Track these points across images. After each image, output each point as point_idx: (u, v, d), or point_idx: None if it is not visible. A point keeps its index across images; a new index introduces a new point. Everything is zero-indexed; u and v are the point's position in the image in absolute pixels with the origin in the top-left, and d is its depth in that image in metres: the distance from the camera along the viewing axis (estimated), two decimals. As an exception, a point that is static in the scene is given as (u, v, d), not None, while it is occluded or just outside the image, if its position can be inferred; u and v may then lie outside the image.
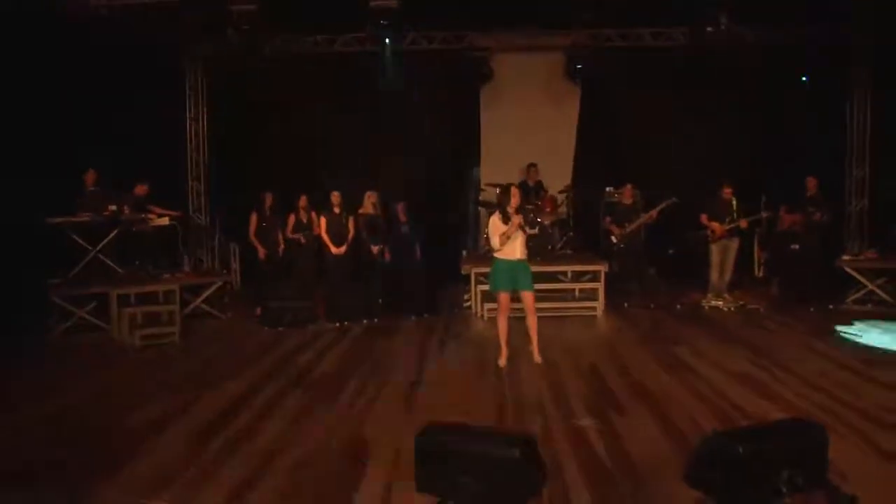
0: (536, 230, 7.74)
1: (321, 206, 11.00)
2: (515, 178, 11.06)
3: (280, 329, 9.82)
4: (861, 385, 6.68)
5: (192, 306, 10.42)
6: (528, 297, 7.65)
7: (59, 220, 9.78)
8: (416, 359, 8.18)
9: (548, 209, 11.84)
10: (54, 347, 8.98)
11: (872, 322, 9.43)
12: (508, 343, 7.78)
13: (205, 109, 13.35)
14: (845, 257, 10.89)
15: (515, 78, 13.17)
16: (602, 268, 10.66)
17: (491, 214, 11.67)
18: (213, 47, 12.53)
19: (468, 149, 13.52)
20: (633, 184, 11.69)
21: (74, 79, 10.31)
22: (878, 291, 10.38)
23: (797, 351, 8.11)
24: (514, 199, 7.48)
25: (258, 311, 10.56)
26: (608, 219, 11.83)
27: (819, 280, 10.86)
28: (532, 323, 7.74)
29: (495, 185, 11.65)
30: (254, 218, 11.07)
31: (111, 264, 10.28)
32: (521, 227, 7.41)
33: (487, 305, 10.42)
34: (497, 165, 12.75)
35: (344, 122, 13.18)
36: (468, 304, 10.94)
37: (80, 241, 10.05)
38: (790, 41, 12.03)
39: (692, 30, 11.86)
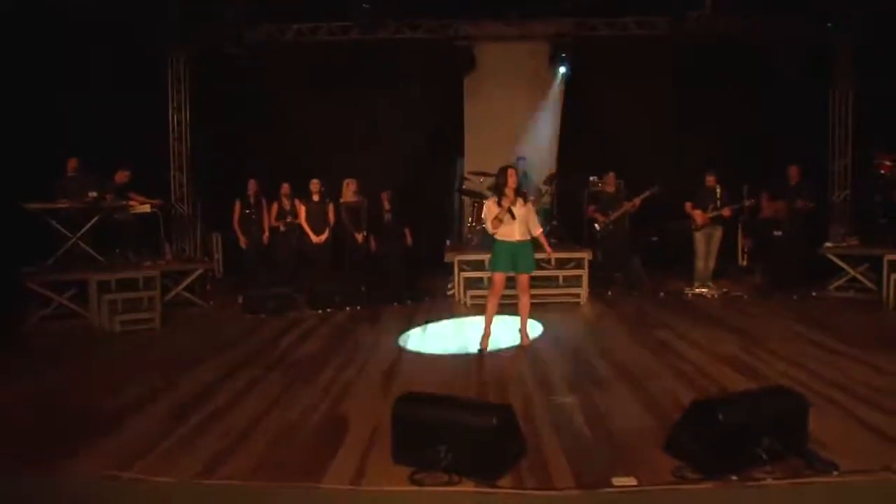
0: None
1: (303, 194, 10.95)
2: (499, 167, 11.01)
3: (262, 316, 9.74)
4: (844, 364, 6.67)
5: (173, 293, 10.33)
6: (523, 277, 7.62)
7: (37, 206, 9.66)
8: (397, 344, 8.12)
9: (531, 198, 11.79)
10: (32, 334, 8.86)
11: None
12: (490, 326, 7.71)
13: (187, 99, 13.25)
14: (828, 244, 10.89)
15: (500, 67, 13.17)
16: (586, 255, 10.64)
17: (475, 203, 11.81)
18: (197, 36, 12.46)
19: (452, 138, 13.48)
20: (616, 172, 11.70)
21: (56, 66, 10.23)
22: (861, 278, 10.41)
23: (780, 334, 8.10)
24: (511, 179, 7.42)
25: (240, 299, 10.49)
26: (592, 207, 11.83)
27: (802, 268, 10.89)
28: (524, 304, 7.71)
29: (479, 174, 11.68)
30: (237, 206, 11.01)
31: (91, 252, 10.16)
32: (510, 211, 7.36)
33: (471, 292, 10.40)
34: (481, 154, 12.73)
35: (327, 110, 13.10)
36: (451, 292, 10.90)
37: (60, 228, 9.92)
38: (773, 30, 12.07)
39: (675, 18, 11.89)
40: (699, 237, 10.97)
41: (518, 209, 7.41)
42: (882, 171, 10.89)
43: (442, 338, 8.28)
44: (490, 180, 11.19)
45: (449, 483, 4.10)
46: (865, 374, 6.29)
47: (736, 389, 5.68)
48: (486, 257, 10.23)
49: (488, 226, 7.47)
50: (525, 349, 7.60)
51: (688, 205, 10.98)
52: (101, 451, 4.72)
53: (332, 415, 5.49)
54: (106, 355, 7.85)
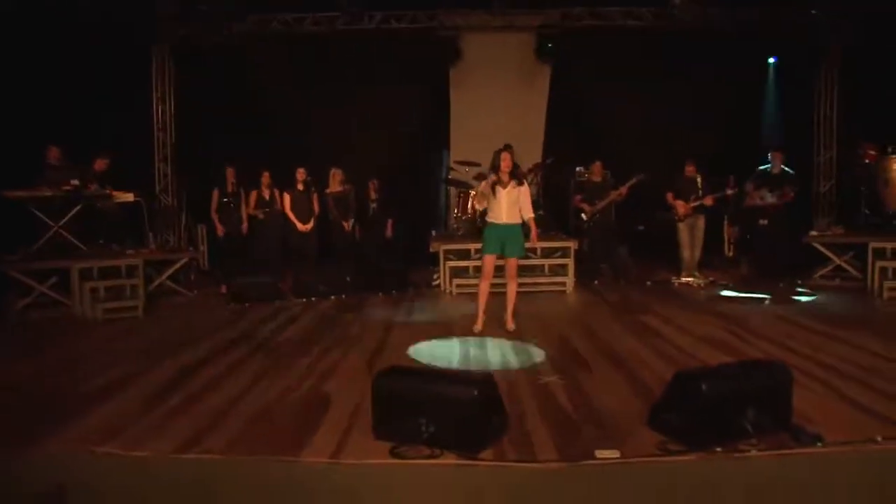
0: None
1: (288, 183, 10.88)
2: (485, 158, 10.97)
3: (246, 305, 9.66)
4: (828, 345, 6.69)
5: (157, 282, 10.23)
6: (511, 262, 7.59)
7: (18, 193, 9.53)
8: (382, 328, 8.05)
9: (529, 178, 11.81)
10: (13, 323, 8.73)
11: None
12: (486, 311, 7.72)
13: (171, 90, 13.15)
14: (813, 233, 10.90)
15: (485, 57, 13.10)
16: (572, 244, 10.62)
17: (460, 193, 11.77)
18: (181, 26, 12.38)
19: (438, 128, 13.43)
20: (602, 162, 11.68)
21: (38, 56, 10.11)
22: (846, 266, 10.41)
23: (764, 318, 8.11)
24: (505, 162, 7.38)
25: (223, 288, 10.41)
26: (578, 197, 11.79)
27: (787, 257, 10.88)
28: (511, 289, 7.69)
29: (464, 164, 11.63)
30: (215, 194, 10.89)
31: (74, 240, 10.03)
32: (493, 187, 7.34)
33: (456, 281, 10.35)
34: (467, 145, 12.67)
35: (312, 101, 13.04)
36: (437, 282, 10.84)
37: (42, 217, 9.80)
38: (758, 21, 12.10)
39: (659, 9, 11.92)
40: (682, 227, 10.95)
41: (510, 191, 7.38)
42: (867, 161, 10.91)
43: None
44: (476, 170, 11.23)
45: (430, 456, 4.05)
46: (850, 354, 6.29)
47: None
48: (471, 246, 10.26)
49: (475, 203, 7.43)
50: (510, 333, 7.55)
51: (669, 195, 10.97)
52: (76, 429, 4.65)
53: (313, 394, 5.44)
54: (87, 341, 7.74)
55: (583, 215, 11.53)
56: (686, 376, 4.33)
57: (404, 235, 12.31)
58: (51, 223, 9.80)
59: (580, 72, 13.03)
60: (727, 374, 4.32)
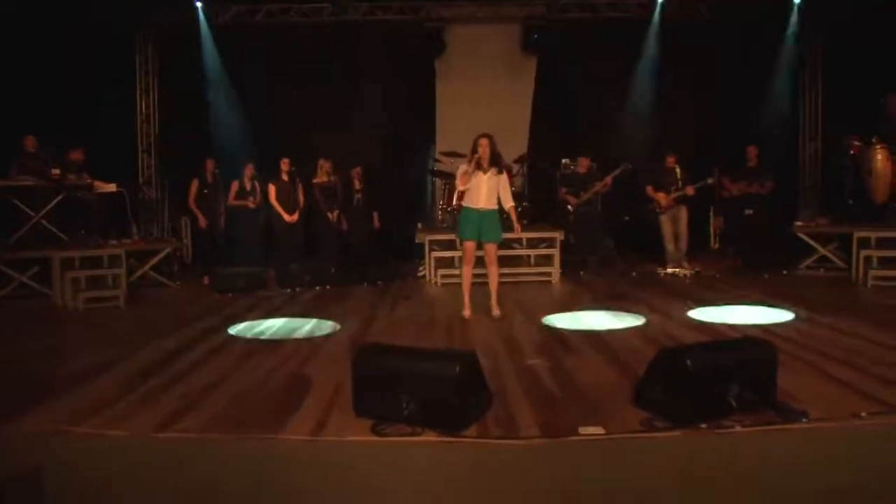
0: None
1: (272, 174, 10.80)
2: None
3: (229, 295, 9.57)
4: (813, 329, 6.69)
5: (139, 272, 10.13)
6: (490, 247, 7.56)
7: (-1, 182, 9.45)
8: (367, 316, 8.00)
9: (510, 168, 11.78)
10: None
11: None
12: (471, 294, 7.71)
13: (156, 81, 13.05)
14: (798, 223, 10.91)
15: (471, 49, 13.07)
16: (558, 235, 10.59)
17: (446, 184, 11.72)
18: (165, 16, 12.30)
19: (424, 120, 13.37)
20: (588, 155, 11.67)
21: (17, 43, 10.01)
22: (831, 256, 10.42)
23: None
24: (483, 148, 7.35)
25: (206, 279, 10.32)
26: (564, 189, 11.77)
27: (773, 247, 10.90)
28: (492, 273, 7.66)
29: (450, 155, 11.58)
30: (194, 185, 10.80)
31: (55, 231, 9.91)
32: (484, 168, 7.32)
33: (441, 272, 10.30)
34: (452, 136, 12.59)
35: (297, 92, 12.95)
36: (422, 273, 10.79)
37: (22, 206, 9.68)
38: (743, 14, 12.13)
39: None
40: (664, 220, 10.95)
41: (490, 177, 7.37)
42: (852, 152, 10.92)
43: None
44: (461, 161, 11.17)
45: (411, 434, 4.00)
46: (834, 337, 6.29)
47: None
48: (457, 238, 10.20)
49: (457, 182, 7.41)
50: (495, 318, 7.52)
51: (649, 188, 11.00)
52: (53, 410, 4.57)
53: (295, 376, 5.37)
54: (67, 329, 7.66)
55: (568, 207, 11.51)
56: (670, 352, 4.30)
57: (390, 227, 12.24)
58: (31, 213, 9.69)
59: (566, 63, 12.98)
60: (711, 350, 4.29)
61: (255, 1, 12.61)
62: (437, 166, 12.58)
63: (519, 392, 4.82)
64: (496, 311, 7.61)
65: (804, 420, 4.06)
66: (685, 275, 10.64)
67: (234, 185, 10.81)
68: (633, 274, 10.83)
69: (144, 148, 13.05)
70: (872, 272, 9.34)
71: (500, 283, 7.89)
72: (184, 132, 12.76)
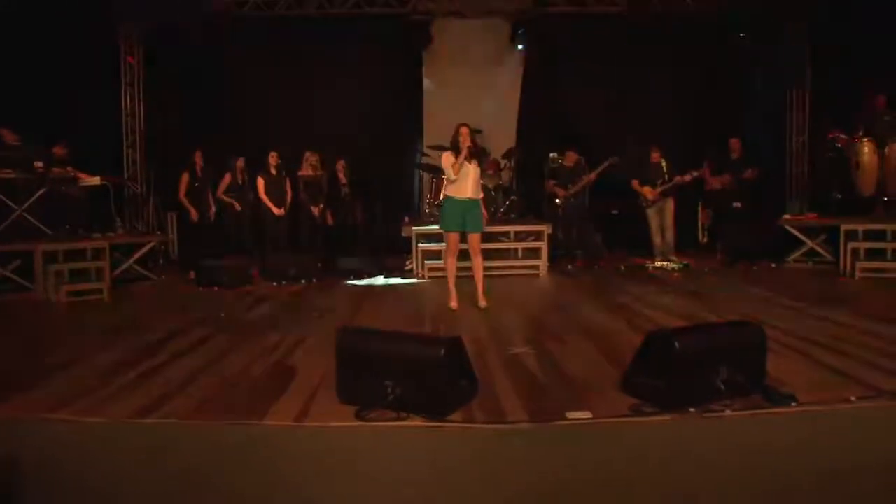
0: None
1: (260, 167, 10.72)
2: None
3: (215, 289, 9.48)
4: (802, 318, 6.69)
5: (124, 266, 10.01)
6: (474, 238, 7.53)
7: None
8: (352, 309, 7.93)
9: (490, 172, 11.74)
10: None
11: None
12: (457, 286, 7.68)
13: (141, 74, 12.91)
14: (786, 216, 10.93)
15: (459, 43, 13.04)
16: (545, 228, 10.55)
17: (433, 178, 11.67)
18: (151, 8, 12.17)
19: (411, 114, 13.31)
20: (576, 148, 11.64)
21: (6, 40, 9.91)
22: (818, 249, 10.42)
23: (739, 297, 8.08)
24: (463, 137, 7.33)
25: (192, 273, 10.22)
26: (551, 182, 11.73)
27: (761, 240, 10.89)
28: (477, 265, 7.63)
29: (437, 149, 11.50)
30: (185, 178, 10.70)
31: (38, 224, 9.77)
32: (468, 157, 7.31)
33: (428, 265, 10.24)
34: (439, 130, 12.50)
35: (284, 85, 12.87)
36: (409, 266, 10.72)
37: (4, 199, 9.54)
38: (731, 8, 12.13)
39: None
40: (651, 213, 10.98)
41: (475, 167, 7.43)
42: (838, 145, 10.93)
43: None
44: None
45: (396, 419, 3.94)
46: (823, 325, 6.29)
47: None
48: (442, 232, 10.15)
49: (449, 173, 7.36)
50: (482, 309, 7.47)
51: (634, 182, 11.02)
52: (32, 399, 4.49)
53: (279, 365, 5.31)
54: (48, 321, 7.59)
55: (556, 200, 11.47)
56: (658, 336, 4.24)
57: (377, 221, 12.17)
58: (14, 206, 9.56)
59: (554, 57, 12.94)
60: (700, 333, 4.25)
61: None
62: (424, 160, 12.49)
63: (505, 379, 4.77)
64: (482, 303, 7.57)
65: (793, 404, 4.03)
66: (673, 268, 10.61)
67: (227, 178, 10.75)
68: (622, 268, 10.79)
69: (129, 143, 12.88)
70: (860, 264, 9.34)
71: (487, 277, 7.85)
72: (169, 126, 12.64)
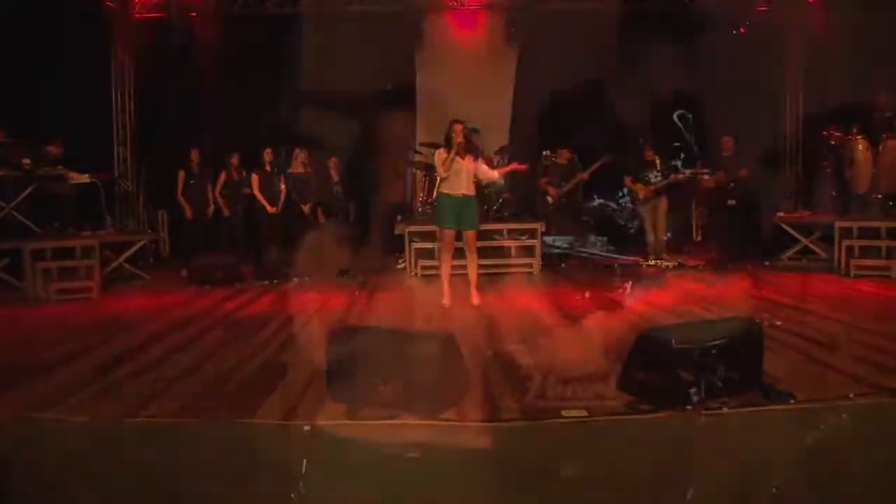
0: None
1: (252, 164, 10.65)
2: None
3: (206, 287, 9.40)
4: (798, 315, 6.65)
5: (114, 264, 9.92)
6: (469, 235, 7.48)
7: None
8: (345, 306, 7.88)
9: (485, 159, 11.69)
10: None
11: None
12: (451, 284, 7.61)
13: (132, 71, 12.82)
14: (780, 214, 10.90)
15: (452, 40, 12.96)
16: (539, 226, 10.50)
17: (426, 176, 11.61)
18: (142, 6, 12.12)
19: (404, 111, 13.24)
20: (569, 146, 11.59)
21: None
22: (812, 246, 10.40)
23: (734, 293, 8.09)
24: (457, 134, 7.26)
25: (184, 272, 10.13)
26: (544, 179, 11.69)
27: (755, 238, 10.88)
28: (471, 261, 7.58)
29: (430, 146, 11.45)
30: (181, 176, 10.62)
31: (27, 222, 9.67)
32: (461, 154, 7.26)
33: (421, 262, 10.18)
34: (433, 128, 12.47)
35: (275, 81, 12.78)
36: (402, 265, 10.66)
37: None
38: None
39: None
40: (644, 211, 10.93)
41: (469, 163, 7.37)
42: (833, 143, 10.91)
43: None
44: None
45: (388, 417, 3.87)
46: (819, 323, 6.27)
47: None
48: (436, 228, 10.08)
49: (440, 170, 7.31)
50: (476, 306, 7.42)
51: (627, 180, 10.97)
52: (19, 397, 4.43)
53: (270, 363, 5.25)
54: (37, 319, 7.51)
55: (549, 198, 11.43)
56: (654, 333, 4.19)
57: (369, 219, 12.10)
58: (2, 204, 9.46)
59: (547, 54, 12.87)
60: (697, 329, 4.19)
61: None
62: (417, 157, 12.44)
63: (499, 376, 4.73)
64: (476, 300, 7.51)
65: (791, 401, 3.98)
66: (667, 266, 10.58)
67: (223, 176, 10.70)
68: (616, 266, 10.76)
69: (120, 140, 12.79)
70: (854, 262, 9.32)
71: (481, 275, 7.82)
72: (162, 124, 12.54)
